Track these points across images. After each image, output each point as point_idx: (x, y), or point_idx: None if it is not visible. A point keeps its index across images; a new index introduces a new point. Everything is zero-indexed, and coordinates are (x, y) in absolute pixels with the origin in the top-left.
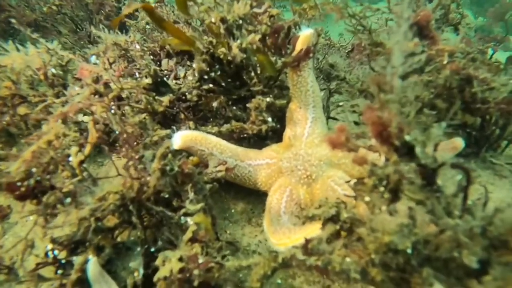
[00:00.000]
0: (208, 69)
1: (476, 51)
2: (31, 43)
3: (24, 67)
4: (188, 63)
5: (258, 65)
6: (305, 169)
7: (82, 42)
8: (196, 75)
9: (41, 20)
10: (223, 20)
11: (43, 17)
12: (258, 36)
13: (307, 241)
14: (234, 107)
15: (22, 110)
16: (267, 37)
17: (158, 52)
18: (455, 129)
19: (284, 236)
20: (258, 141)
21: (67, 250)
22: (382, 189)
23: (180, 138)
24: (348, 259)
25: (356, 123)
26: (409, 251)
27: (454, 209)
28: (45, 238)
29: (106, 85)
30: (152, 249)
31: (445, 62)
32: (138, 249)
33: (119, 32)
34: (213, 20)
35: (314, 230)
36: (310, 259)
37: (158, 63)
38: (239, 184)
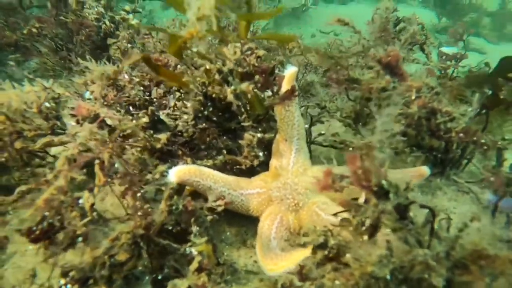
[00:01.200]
0: (202, 108)
1: (438, 84)
2: (27, 81)
3: (21, 103)
4: (177, 92)
5: (247, 103)
6: (293, 197)
7: (62, 62)
8: (191, 113)
9: (22, 40)
10: (219, 71)
11: (23, 37)
12: (252, 86)
13: (301, 267)
14: (225, 138)
15: (18, 144)
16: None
17: (148, 83)
18: (424, 152)
19: (272, 262)
20: (248, 169)
21: (79, 284)
22: (364, 227)
23: (176, 173)
24: (337, 282)
25: (333, 147)
26: (388, 277)
27: (423, 236)
28: (55, 272)
29: (102, 122)
30: (159, 277)
31: (413, 97)
32: (147, 277)
33: (106, 62)
34: (207, 67)
35: (298, 257)
36: (306, 285)
37: (148, 93)
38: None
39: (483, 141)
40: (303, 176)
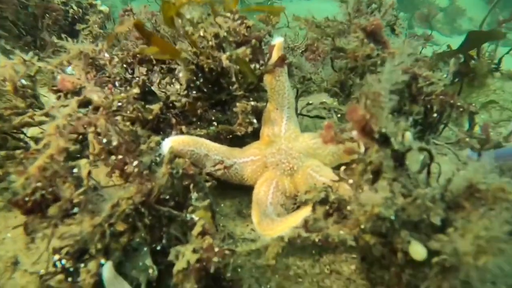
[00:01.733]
0: (194, 77)
1: (416, 52)
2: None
3: None
4: (157, 69)
5: (239, 72)
6: (288, 162)
7: (26, 48)
8: (184, 84)
9: None
10: (216, 36)
11: None
12: (249, 49)
13: (306, 221)
14: (214, 110)
15: None
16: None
17: (131, 60)
18: (405, 117)
19: (268, 227)
20: (238, 139)
21: (73, 259)
22: (367, 174)
23: (171, 142)
24: (341, 232)
25: (320, 117)
26: (392, 217)
27: (420, 182)
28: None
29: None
30: (158, 247)
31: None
32: (145, 249)
33: (84, 41)
34: (202, 34)
35: (293, 221)
36: (313, 235)
37: (131, 70)
38: (225, 180)
39: (459, 103)
40: (295, 141)
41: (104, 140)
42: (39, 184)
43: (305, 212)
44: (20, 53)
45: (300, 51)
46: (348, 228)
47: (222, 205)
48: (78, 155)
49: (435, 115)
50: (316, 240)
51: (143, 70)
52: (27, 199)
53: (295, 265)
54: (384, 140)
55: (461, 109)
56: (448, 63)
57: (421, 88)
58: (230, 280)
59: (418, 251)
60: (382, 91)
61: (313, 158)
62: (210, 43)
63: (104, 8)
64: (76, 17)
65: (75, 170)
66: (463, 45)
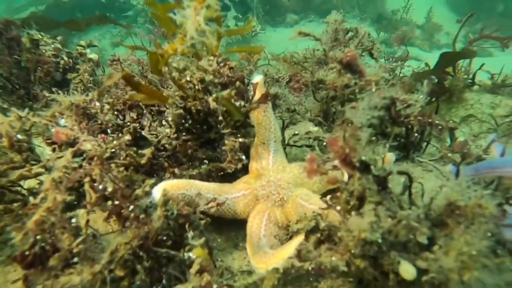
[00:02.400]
0: (183, 120)
1: (392, 77)
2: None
3: None
4: (147, 112)
5: (225, 111)
6: (278, 192)
7: (20, 101)
8: (173, 127)
9: None
10: (202, 80)
11: None
12: (234, 91)
13: (299, 251)
14: (204, 149)
15: None
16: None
17: (122, 107)
18: (387, 139)
19: (261, 260)
20: (230, 175)
21: None
22: (353, 200)
23: (159, 189)
24: (333, 258)
25: (308, 146)
26: (379, 240)
27: (403, 203)
28: None
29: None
30: None
31: (373, 90)
32: None
33: (75, 90)
34: (188, 79)
35: (285, 253)
36: (306, 264)
37: (123, 116)
38: (218, 216)
39: (437, 122)
40: (283, 172)
41: (100, 187)
42: (38, 237)
43: (297, 241)
44: (16, 110)
45: (285, 81)
46: (339, 254)
47: (219, 239)
48: (75, 203)
49: (416, 134)
50: (310, 268)
51: (134, 115)
52: (27, 253)
53: None
54: (364, 168)
55: (439, 127)
56: (422, 85)
57: (399, 111)
58: None
59: (407, 270)
60: (359, 125)
61: (301, 187)
62: (197, 87)
63: (93, 56)
64: (67, 67)
65: (73, 220)
66: (437, 66)
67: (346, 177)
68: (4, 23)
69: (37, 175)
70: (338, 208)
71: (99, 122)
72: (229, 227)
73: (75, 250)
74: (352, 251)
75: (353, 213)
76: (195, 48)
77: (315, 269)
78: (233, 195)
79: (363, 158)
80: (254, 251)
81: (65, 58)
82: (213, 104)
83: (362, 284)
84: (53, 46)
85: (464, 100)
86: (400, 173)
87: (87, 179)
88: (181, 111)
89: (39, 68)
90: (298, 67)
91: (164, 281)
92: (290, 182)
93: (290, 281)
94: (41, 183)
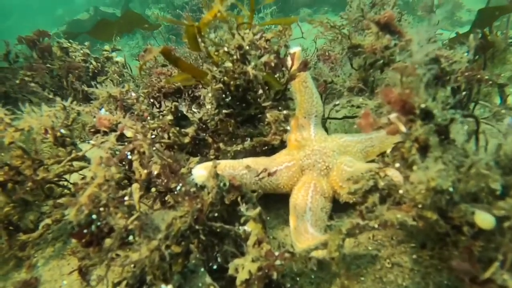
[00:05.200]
0: (223, 95)
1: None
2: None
3: (40, 128)
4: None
5: (265, 83)
6: (324, 161)
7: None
8: (214, 103)
9: (11, 92)
10: (239, 47)
11: (12, 88)
12: (272, 55)
13: (361, 211)
14: (245, 127)
15: (40, 174)
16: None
17: (157, 94)
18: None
19: (301, 239)
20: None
21: None
22: (414, 151)
23: (199, 169)
24: (398, 216)
25: (349, 117)
26: (451, 189)
27: (469, 153)
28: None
29: (122, 134)
30: (215, 267)
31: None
32: (202, 269)
33: (110, 84)
34: (226, 50)
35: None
36: (371, 222)
37: (159, 104)
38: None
39: (487, 77)
40: (326, 142)
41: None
42: (94, 216)
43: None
44: (61, 100)
45: (313, 62)
46: (404, 212)
47: (268, 217)
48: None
49: (464, 93)
50: (376, 226)
51: (169, 103)
52: (85, 231)
53: (354, 265)
54: (426, 115)
55: (489, 82)
56: (465, 44)
57: (444, 68)
58: None
59: (486, 219)
60: (417, 64)
61: (345, 155)
62: (235, 56)
63: (120, 59)
64: (96, 71)
65: (126, 198)
66: (475, 24)
67: (404, 129)
68: (37, 34)
69: (81, 168)
70: (397, 165)
71: (136, 112)
72: (276, 204)
73: (130, 227)
74: (420, 205)
75: (414, 167)
76: (232, 14)
77: (382, 225)
78: (275, 168)
79: (423, 105)
80: (297, 224)
81: (94, 63)
82: (252, 72)
83: (426, 248)
84: (81, 51)
85: (508, 61)
86: (466, 116)
87: (135, 157)
88: (220, 85)
89: (71, 73)
90: (335, 30)
91: (219, 259)
92: (335, 149)
93: (347, 252)
94: (85, 177)
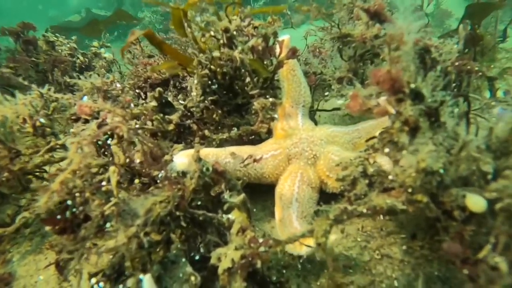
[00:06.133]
0: (210, 82)
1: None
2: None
3: (15, 118)
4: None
5: (253, 71)
6: (311, 149)
7: None
8: (199, 89)
9: None
10: (226, 30)
11: None
12: (260, 39)
13: (349, 198)
14: (232, 116)
15: (16, 165)
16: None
17: (143, 85)
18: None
19: (285, 233)
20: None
21: (111, 281)
22: (406, 128)
23: (181, 156)
24: (388, 201)
25: (337, 109)
26: (441, 171)
27: (460, 136)
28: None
29: (104, 121)
30: (197, 257)
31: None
32: (183, 259)
33: (93, 75)
34: (212, 33)
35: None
36: (359, 207)
37: (144, 95)
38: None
39: (477, 68)
40: (313, 131)
41: (127, 160)
42: (69, 202)
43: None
44: (37, 88)
45: (303, 59)
46: (393, 197)
47: (255, 209)
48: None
49: (453, 84)
50: (364, 211)
51: (156, 94)
52: (59, 217)
53: (342, 256)
54: (415, 96)
55: (479, 74)
56: (453, 38)
57: (434, 58)
58: (277, 282)
59: (477, 202)
60: (404, 30)
61: (332, 144)
62: (221, 41)
63: (108, 55)
64: (83, 66)
65: (103, 183)
66: (462, 21)
67: (393, 111)
68: (21, 26)
69: (61, 159)
70: (387, 150)
71: (121, 104)
72: (262, 195)
73: (107, 213)
74: (410, 189)
75: (404, 151)
76: None
77: (371, 210)
78: (262, 155)
79: (413, 85)
80: (282, 216)
81: (81, 58)
82: (239, 56)
83: (417, 239)
84: (68, 45)
85: (497, 59)
86: (456, 96)
87: (114, 141)
88: (206, 71)
89: (56, 67)
90: (324, 15)
91: (201, 249)
92: (323, 138)
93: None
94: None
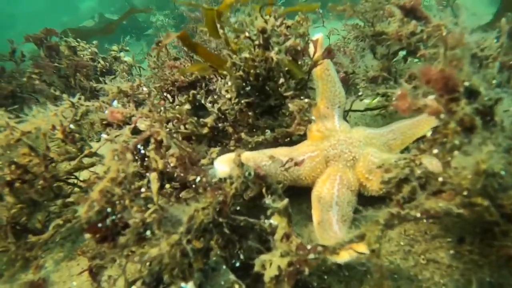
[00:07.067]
0: (243, 83)
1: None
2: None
3: (48, 128)
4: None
5: (287, 72)
6: (350, 151)
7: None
8: (234, 91)
9: (18, 91)
10: (263, 31)
11: (19, 88)
12: (298, 40)
13: (398, 201)
14: (264, 118)
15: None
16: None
17: (171, 88)
18: None
19: (325, 238)
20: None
21: None
22: (459, 129)
23: (221, 162)
24: (440, 204)
25: (371, 109)
26: (502, 172)
27: None
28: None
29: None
30: (237, 264)
31: (444, 34)
32: (224, 267)
33: (121, 80)
34: (247, 34)
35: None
36: (411, 211)
37: (172, 98)
38: None
39: None
40: (351, 133)
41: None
42: (109, 210)
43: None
44: (67, 97)
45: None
46: (445, 200)
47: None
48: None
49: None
50: (418, 215)
51: (182, 98)
52: (99, 225)
53: (386, 261)
54: (470, 94)
55: None
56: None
57: (475, 54)
58: None
59: None
60: (464, 33)
61: (370, 145)
62: (257, 42)
63: (127, 58)
64: (104, 70)
65: (143, 190)
66: (498, 13)
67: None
68: (45, 32)
69: (92, 165)
70: (435, 151)
71: (157, 108)
72: (298, 199)
73: (148, 220)
74: (466, 192)
75: (455, 152)
76: None
77: (425, 213)
78: (303, 158)
79: (468, 83)
80: (321, 219)
81: (102, 62)
82: (276, 57)
83: (465, 243)
84: (89, 50)
85: None
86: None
87: (151, 147)
88: (241, 73)
89: (78, 72)
90: (358, 13)
91: (242, 256)
92: (361, 139)
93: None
94: (95, 174)
